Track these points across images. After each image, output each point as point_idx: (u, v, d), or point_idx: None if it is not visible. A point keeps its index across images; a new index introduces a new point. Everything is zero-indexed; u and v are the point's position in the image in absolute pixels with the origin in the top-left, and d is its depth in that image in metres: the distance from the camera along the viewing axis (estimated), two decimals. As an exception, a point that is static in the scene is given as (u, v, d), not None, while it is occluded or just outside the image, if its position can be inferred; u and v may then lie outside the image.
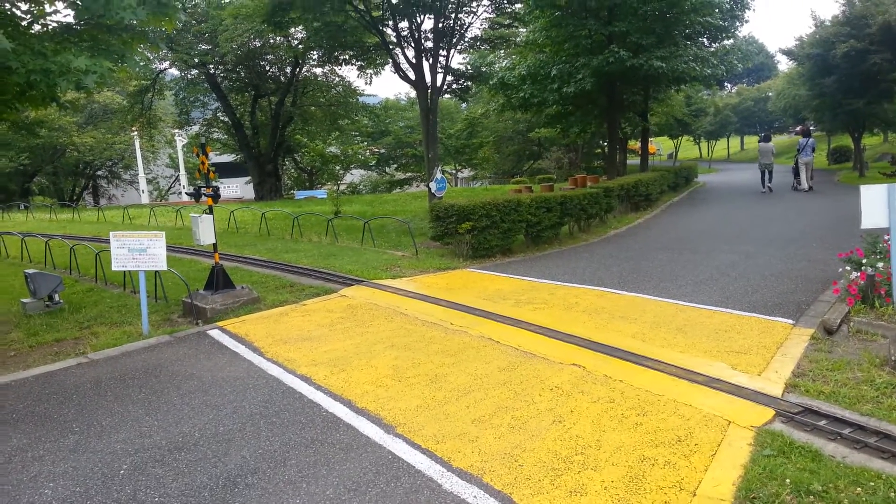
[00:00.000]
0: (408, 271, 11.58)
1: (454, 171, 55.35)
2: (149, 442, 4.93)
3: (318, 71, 38.00)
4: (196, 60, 31.95)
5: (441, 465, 4.33)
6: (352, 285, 10.53)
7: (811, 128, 30.85)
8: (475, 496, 3.93)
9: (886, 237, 7.37)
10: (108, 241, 8.45)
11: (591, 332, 7.20)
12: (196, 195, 9.32)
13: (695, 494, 3.81)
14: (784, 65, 58.83)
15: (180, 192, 51.40)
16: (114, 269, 8.38)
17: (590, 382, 5.64)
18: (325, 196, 38.29)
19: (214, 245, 9.52)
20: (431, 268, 11.85)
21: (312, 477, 4.25)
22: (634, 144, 40.61)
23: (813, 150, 23.43)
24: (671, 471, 4.08)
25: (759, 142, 25.70)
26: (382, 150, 53.06)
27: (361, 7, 17.45)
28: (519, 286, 9.98)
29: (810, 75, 28.82)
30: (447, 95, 26.28)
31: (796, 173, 24.21)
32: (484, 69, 24.89)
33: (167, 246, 8.46)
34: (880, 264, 7.45)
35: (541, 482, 4.03)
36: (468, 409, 5.22)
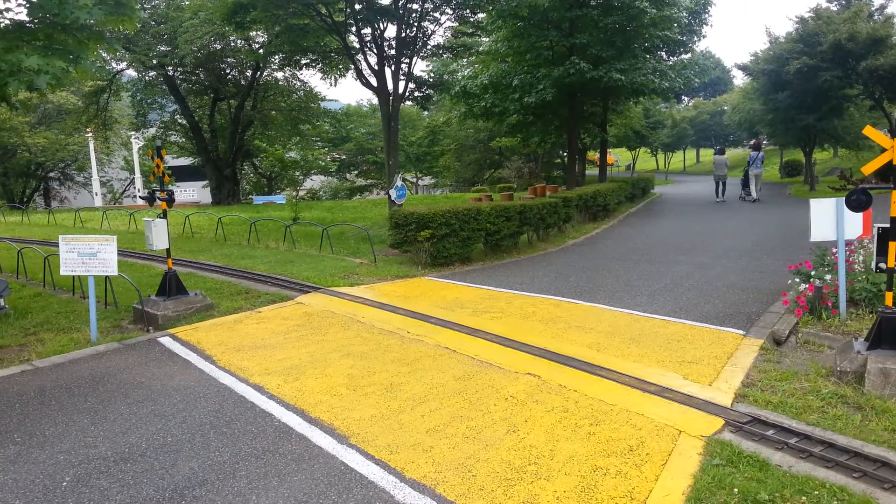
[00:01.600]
0: (366, 279, 11.52)
1: (415, 179, 55.37)
2: (94, 452, 4.79)
3: (280, 75, 37.71)
4: (154, 62, 31.41)
5: (394, 475, 4.29)
6: (309, 292, 10.43)
7: (764, 142, 31.72)
8: (427, 507, 3.91)
9: (834, 250, 7.57)
10: (57, 245, 8.24)
11: (547, 341, 7.23)
12: (150, 199, 9.15)
13: (645, 504, 3.84)
14: (739, 79, 60.16)
15: (135, 196, 50.39)
16: (62, 273, 8.18)
17: (545, 392, 5.66)
18: (284, 201, 37.92)
19: (168, 250, 9.35)
20: (390, 275, 11.81)
21: (263, 488, 4.18)
22: (593, 155, 41.09)
23: (762, 163, 24.71)
24: (623, 480, 4.11)
25: (715, 155, 26.75)
26: (343, 157, 52.77)
27: (324, 11, 17.33)
28: (477, 295, 10.00)
29: (764, 90, 29.46)
30: (409, 103, 26.29)
31: (745, 184, 25.44)
32: (446, 77, 24.99)
33: (119, 250, 8.29)
34: (828, 277, 7.65)
35: (494, 492, 4.02)
36: (423, 418, 5.20)
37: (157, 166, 9.03)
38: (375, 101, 21.53)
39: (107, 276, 9.29)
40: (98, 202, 45.18)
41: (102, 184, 50.97)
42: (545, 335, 7.48)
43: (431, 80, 24.58)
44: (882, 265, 5.65)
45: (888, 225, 5.51)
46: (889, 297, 5.64)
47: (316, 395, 5.79)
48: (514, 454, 4.51)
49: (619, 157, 66.76)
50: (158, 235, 9.07)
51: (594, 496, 3.94)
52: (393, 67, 19.00)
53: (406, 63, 19.52)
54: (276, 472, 4.39)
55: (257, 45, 31.82)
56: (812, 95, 26.53)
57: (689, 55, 27.81)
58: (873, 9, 31.10)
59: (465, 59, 26.35)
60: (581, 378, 5.98)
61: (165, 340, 7.91)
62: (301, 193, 52.66)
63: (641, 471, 4.22)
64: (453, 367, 6.44)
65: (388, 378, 6.19)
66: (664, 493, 3.95)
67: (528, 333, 7.57)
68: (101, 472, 4.47)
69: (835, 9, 32.37)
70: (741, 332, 7.27)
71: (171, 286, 9.12)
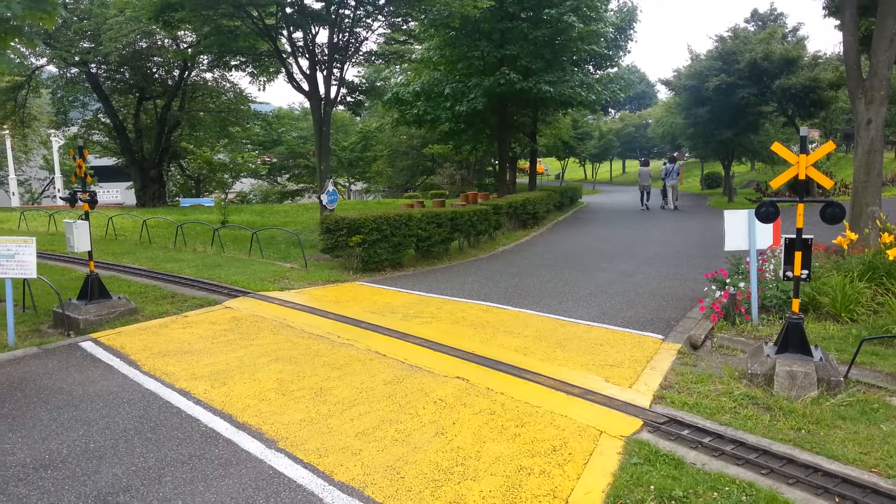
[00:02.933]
0: (296, 283, 11.44)
1: (347, 184, 55.04)
2: (12, 460, 4.65)
3: (209, 76, 36.88)
4: (77, 59, 30.21)
5: (323, 479, 4.32)
6: (237, 297, 10.30)
7: (686, 155, 33.18)
8: (356, 509, 3.96)
9: (748, 259, 7.97)
10: (-30, 247, 7.89)
11: (476, 345, 7.37)
12: (71, 200, 8.88)
13: (567, 502, 3.98)
14: (663, 94, 62.25)
15: (55, 196, 48.41)
16: (-24, 276, 7.85)
17: (473, 395, 5.78)
18: (213, 204, 37.13)
19: (90, 253, 9.08)
20: (321, 280, 11.76)
21: (189, 494, 4.14)
22: (524, 164, 41.78)
23: (677, 175, 27.05)
24: (546, 479, 4.25)
25: (641, 167, 28.40)
26: (274, 160, 51.98)
27: (255, 14, 17.10)
28: (408, 300, 10.07)
29: (686, 105, 30.57)
30: (341, 108, 26.19)
31: (664, 195, 27.48)
32: (379, 84, 25.02)
33: (39, 252, 8.02)
34: (742, 284, 8.04)
35: (421, 493, 4.10)
36: (352, 422, 5.24)
37: (79, 166, 8.77)
38: (307, 104, 21.31)
39: (25, 279, 8.97)
40: (15, 202, 43.26)
41: (20, 183, 48.80)
42: (474, 340, 7.62)
43: (364, 85, 24.54)
44: (789, 273, 5.99)
45: (794, 236, 5.86)
46: (796, 303, 6.00)
47: (244, 400, 5.75)
48: (442, 456, 4.61)
49: (548, 166, 68.03)
50: (80, 237, 8.81)
51: (519, 495, 4.06)
52: (325, 72, 18.88)
53: (338, 68, 19.43)
54: (202, 478, 4.35)
55: (185, 45, 31.08)
56: (730, 111, 27.70)
57: (615, 69, 28.69)
58: (787, 31, 32.79)
59: (397, 66, 26.45)
60: (508, 381, 6.13)
61: (87, 345, 7.69)
62: (230, 196, 51.66)
63: (564, 470, 4.37)
64: (383, 372, 6.49)
65: (317, 382, 6.20)
66: (585, 491, 4.11)
67: (457, 338, 7.69)
68: (20, 480, 4.35)
69: (752, 29, 33.99)
70: (660, 336, 7.58)
71: (93, 289, 8.87)
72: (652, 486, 4.07)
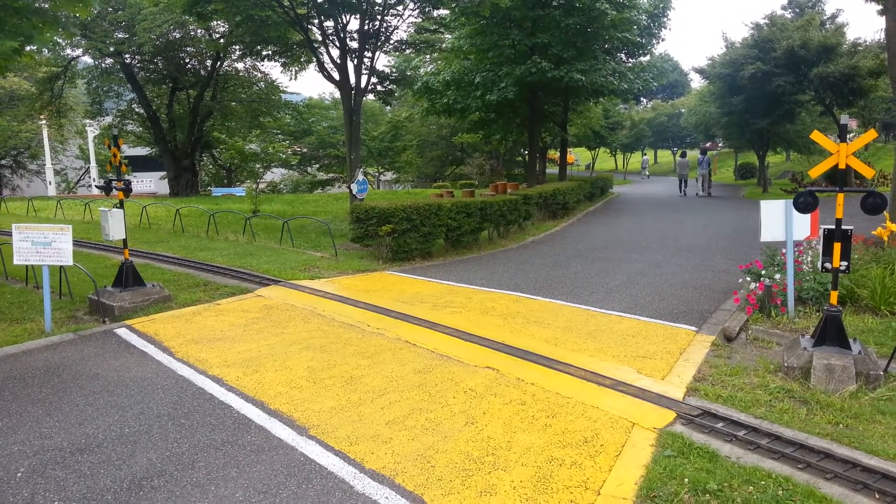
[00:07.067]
0: (326, 272, 11.50)
1: (377, 174, 55.12)
2: (49, 443, 4.73)
3: (240, 66, 37.21)
4: (111, 49, 30.66)
5: (354, 466, 4.34)
6: (268, 285, 10.38)
7: (720, 144, 33.40)
8: (387, 497, 3.95)
9: (784, 250, 7.82)
10: (9, 234, 8.06)
11: (506, 335, 7.34)
12: (107, 189, 9.01)
13: (599, 493, 3.95)
14: (697, 83, 61.25)
15: (90, 185, 49.21)
16: (15, 262, 8.02)
17: (503, 385, 5.75)
18: (244, 194, 37.48)
19: (124, 241, 9.21)
20: (351, 269, 11.80)
21: (222, 479, 4.18)
22: (554, 154, 41.44)
23: (708, 165, 28.99)
24: (577, 471, 4.21)
25: (678, 157, 30.72)
26: (304, 150, 52.24)
27: (286, 3, 17.16)
28: (437, 290, 10.06)
29: (720, 94, 30.03)
30: (371, 97, 26.20)
31: (695, 182, 29.50)
32: (409, 73, 24.97)
33: (74, 240, 8.15)
34: (777, 276, 7.90)
35: (452, 483, 4.09)
36: (383, 410, 5.25)
37: (114, 156, 8.89)
38: (337, 94, 21.33)
39: (61, 266, 9.13)
40: (52, 191, 44.14)
41: (56, 172, 49.72)
42: (504, 330, 7.59)
43: (394, 75, 24.53)
44: (827, 265, 5.86)
45: (833, 226, 5.72)
46: (834, 295, 5.87)
47: (276, 388, 5.80)
48: (473, 445, 4.59)
49: (578, 156, 67.42)
50: (115, 225, 8.93)
51: (550, 486, 4.03)
52: (355, 61, 18.90)
53: (368, 57, 19.42)
54: (235, 463, 4.39)
55: (217, 35, 31.35)
56: (766, 100, 27.15)
57: (647, 58, 28.30)
58: (825, 18, 32.04)
59: (427, 56, 26.38)
60: (538, 372, 6.10)
61: (122, 332, 7.81)
62: (261, 186, 52.07)
63: (596, 461, 4.34)
64: (413, 361, 6.50)
65: (348, 371, 6.22)
66: (618, 482, 4.07)
67: (487, 328, 7.67)
68: (57, 463, 4.43)
69: (789, 16, 33.28)
70: (693, 328, 7.48)
71: (127, 277, 9.00)
72: (686, 479, 4.02)
